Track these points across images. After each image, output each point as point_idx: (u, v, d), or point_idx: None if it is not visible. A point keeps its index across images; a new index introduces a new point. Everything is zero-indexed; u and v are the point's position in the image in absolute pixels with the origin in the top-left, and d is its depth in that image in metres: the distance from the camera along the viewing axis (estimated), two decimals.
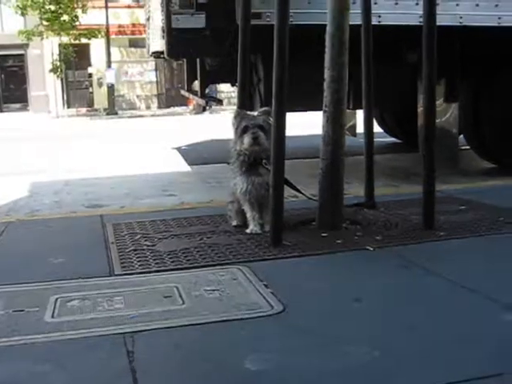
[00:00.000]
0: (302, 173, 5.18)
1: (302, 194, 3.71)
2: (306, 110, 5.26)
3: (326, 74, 3.35)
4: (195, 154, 8.75)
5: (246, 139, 3.33)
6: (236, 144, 3.43)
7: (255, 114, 3.44)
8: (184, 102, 22.99)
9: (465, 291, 2.45)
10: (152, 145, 10.61)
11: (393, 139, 9.02)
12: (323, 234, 3.35)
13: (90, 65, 25.65)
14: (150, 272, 2.84)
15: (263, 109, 3.45)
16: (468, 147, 6.36)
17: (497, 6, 5.26)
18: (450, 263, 2.85)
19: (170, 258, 3.05)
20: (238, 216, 3.61)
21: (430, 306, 2.31)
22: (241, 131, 3.36)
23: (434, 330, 2.07)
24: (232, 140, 3.47)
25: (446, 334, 2.02)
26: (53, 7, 21.70)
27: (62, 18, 21.86)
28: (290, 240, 3.23)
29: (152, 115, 22.44)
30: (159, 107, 26.42)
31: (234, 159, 3.48)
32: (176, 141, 10.59)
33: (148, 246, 3.28)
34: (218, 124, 12.86)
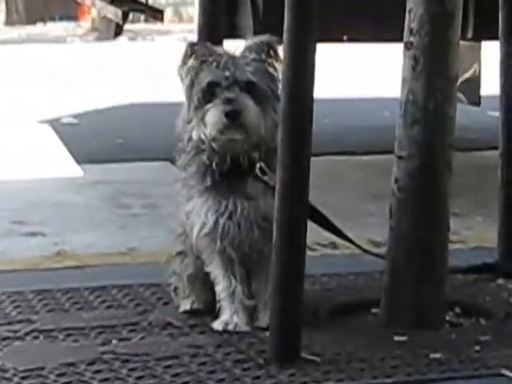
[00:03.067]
0: (348, 189, 5.03)
1: (349, 240, 3.71)
2: (362, 41, 5.30)
3: None
4: (94, 138, 8.41)
5: (213, 116, 3.19)
6: (191, 125, 3.26)
7: (237, 50, 3.38)
8: (70, 12, 22.97)
9: None
10: None
11: None
12: (398, 338, 3.30)
13: None
14: None
15: (257, 39, 3.40)
16: None
17: None
18: None
19: None
20: (193, 288, 3.55)
21: None
22: (201, 95, 3.26)
23: None
24: (182, 113, 3.36)
25: None
26: None
27: None
28: (316, 349, 3.15)
29: None
30: (11, 23, 26.25)
31: (188, 158, 3.37)
32: (51, 104, 10.31)
33: None
34: (151, 66, 13.10)
